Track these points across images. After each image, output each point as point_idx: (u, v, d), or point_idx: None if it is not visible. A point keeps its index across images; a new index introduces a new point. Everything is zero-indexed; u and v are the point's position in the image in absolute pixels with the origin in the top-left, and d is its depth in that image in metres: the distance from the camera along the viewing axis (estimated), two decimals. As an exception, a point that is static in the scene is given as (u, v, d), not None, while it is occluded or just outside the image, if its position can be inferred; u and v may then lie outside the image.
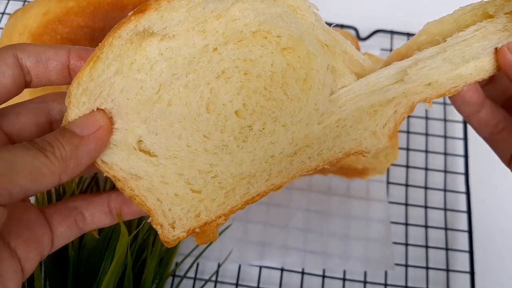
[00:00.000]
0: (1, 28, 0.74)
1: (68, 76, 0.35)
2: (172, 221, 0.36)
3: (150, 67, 0.32)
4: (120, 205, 0.38)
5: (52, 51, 0.34)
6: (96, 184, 0.59)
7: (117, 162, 0.34)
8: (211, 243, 0.60)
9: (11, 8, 0.78)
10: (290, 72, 0.35)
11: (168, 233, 0.36)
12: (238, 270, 0.63)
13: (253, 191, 0.37)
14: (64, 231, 0.36)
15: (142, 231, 0.55)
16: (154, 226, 0.36)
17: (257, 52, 0.34)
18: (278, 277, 0.62)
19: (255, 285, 0.62)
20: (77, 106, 0.32)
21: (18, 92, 0.34)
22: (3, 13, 0.78)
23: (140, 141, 0.34)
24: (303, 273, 0.63)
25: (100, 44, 0.32)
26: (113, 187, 0.37)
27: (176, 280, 0.60)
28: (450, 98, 0.40)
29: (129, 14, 0.31)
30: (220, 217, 0.37)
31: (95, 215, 0.37)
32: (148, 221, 0.36)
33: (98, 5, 0.63)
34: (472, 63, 0.36)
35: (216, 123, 0.35)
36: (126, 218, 0.39)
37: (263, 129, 0.35)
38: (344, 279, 0.62)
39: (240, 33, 0.33)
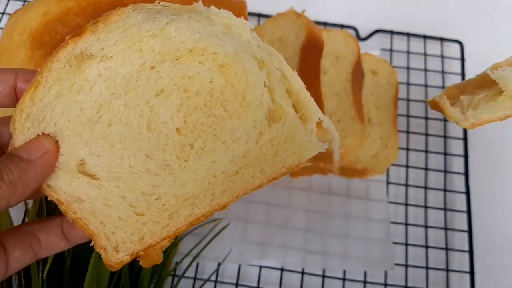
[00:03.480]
0: (1, 28, 0.74)
1: (16, 99, 0.35)
2: (116, 244, 0.36)
3: (89, 88, 0.33)
4: (70, 228, 0.38)
5: None
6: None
7: (61, 186, 0.34)
8: (208, 242, 0.60)
9: (11, 8, 0.79)
10: (229, 88, 0.35)
11: (112, 257, 0.36)
12: (238, 270, 0.63)
13: (198, 212, 0.37)
14: (19, 255, 0.36)
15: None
16: (97, 249, 0.36)
17: (195, 69, 0.34)
18: (278, 277, 0.62)
19: (255, 285, 0.62)
20: (22, 132, 0.33)
21: None
22: (3, 13, 0.78)
23: (83, 164, 0.35)
24: (303, 273, 0.63)
25: (39, 68, 0.33)
26: None
27: (176, 279, 0.60)
28: None
29: (67, 38, 0.32)
30: (164, 239, 0.37)
31: (50, 239, 0.37)
32: (91, 244, 0.36)
33: (98, 5, 0.63)
34: None
35: (158, 142, 0.35)
36: (76, 242, 0.38)
37: (204, 147, 0.36)
38: (344, 279, 0.62)
39: (177, 51, 0.34)
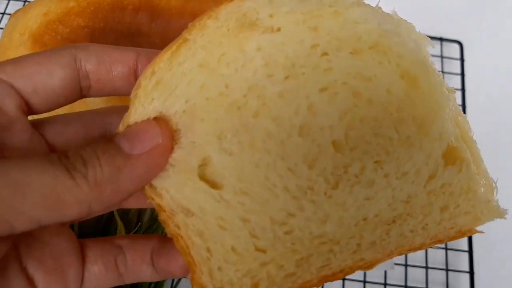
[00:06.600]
0: (1, 28, 0.74)
1: (133, 85, 0.27)
2: (220, 285, 0.26)
3: (243, 62, 0.25)
4: (158, 256, 0.29)
5: (117, 53, 0.27)
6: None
7: (169, 188, 0.26)
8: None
9: (11, 8, 0.79)
10: (408, 105, 0.27)
11: None
12: (237, 270, 0.63)
13: (335, 264, 0.28)
14: (98, 271, 0.28)
15: (140, 231, 0.55)
16: (193, 286, 0.27)
17: (373, 70, 0.26)
18: (277, 277, 0.62)
19: (255, 284, 0.62)
20: (143, 104, 0.25)
21: (70, 99, 0.27)
22: (3, 13, 0.79)
23: (205, 164, 0.26)
24: (302, 272, 0.63)
25: (189, 24, 0.26)
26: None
27: (176, 279, 0.60)
28: None
29: None
30: None
31: (136, 261, 0.29)
32: (187, 277, 0.28)
33: (98, 6, 0.63)
34: None
35: (307, 153, 0.26)
36: (165, 276, 0.30)
37: (361, 175, 0.27)
38: (343, 279, 0.62)
39: (357, 42, 0.26)
